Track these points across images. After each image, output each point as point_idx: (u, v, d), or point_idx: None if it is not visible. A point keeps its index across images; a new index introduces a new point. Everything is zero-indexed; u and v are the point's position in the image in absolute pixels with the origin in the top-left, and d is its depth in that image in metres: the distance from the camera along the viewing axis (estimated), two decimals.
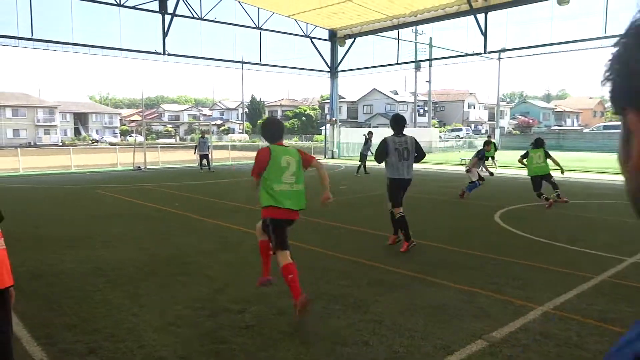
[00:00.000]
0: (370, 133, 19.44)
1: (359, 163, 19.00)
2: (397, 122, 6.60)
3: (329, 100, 34.21)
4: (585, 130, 53.00)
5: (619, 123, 0.51)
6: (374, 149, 14.95)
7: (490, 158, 20.50)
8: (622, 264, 5.95)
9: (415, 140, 6.67)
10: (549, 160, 10.48)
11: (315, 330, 3.95)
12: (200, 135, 21.71)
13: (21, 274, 4.97)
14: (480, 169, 13.11)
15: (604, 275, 5.45)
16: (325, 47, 28.91)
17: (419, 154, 6.66)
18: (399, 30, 26.01)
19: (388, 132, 7.00)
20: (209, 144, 21.58)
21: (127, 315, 4.22)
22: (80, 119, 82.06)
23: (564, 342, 3.69)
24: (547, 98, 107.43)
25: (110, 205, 10.94)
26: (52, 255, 6.31)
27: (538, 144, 10.71)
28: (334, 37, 28.38)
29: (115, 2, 19.90)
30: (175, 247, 6.84)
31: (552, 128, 65.08)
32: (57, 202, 11.88)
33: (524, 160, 10.73)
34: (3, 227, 2.56)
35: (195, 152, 21.19)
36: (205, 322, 4.09)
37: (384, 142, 6.52)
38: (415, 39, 34.82)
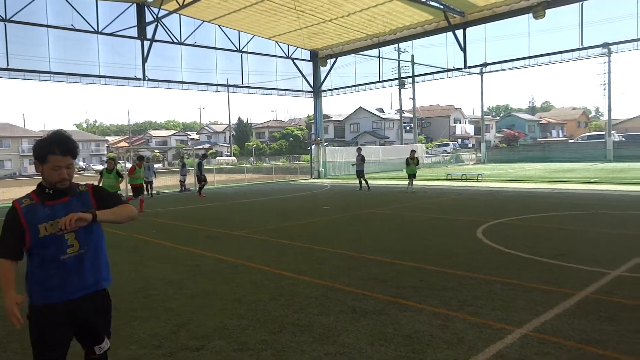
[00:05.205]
0: (359, 149, 20.59)
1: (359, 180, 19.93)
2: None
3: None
4: (570, 141, 53.43)
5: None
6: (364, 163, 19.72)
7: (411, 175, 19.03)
8: (606, 278, 5.73)
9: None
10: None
11: None
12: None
13: None
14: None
15: (586, 291, 5.23)
16: (308, 68, 28.99)
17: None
18: (380, 48, 26.14)
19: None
20: (154, 169, 21.38)
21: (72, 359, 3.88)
22: None
23: None
24: (532, 110, 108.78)
25: None
26: None
27: None
28: (316, 57, 28.47)
29: (93, 30, 19.77)
30: (143, 278, 6.51)
31: (537, 140, 65.70)
32: None
33: None
34: None
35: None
36: None
37: None
38: (399, 57, 35.12)
